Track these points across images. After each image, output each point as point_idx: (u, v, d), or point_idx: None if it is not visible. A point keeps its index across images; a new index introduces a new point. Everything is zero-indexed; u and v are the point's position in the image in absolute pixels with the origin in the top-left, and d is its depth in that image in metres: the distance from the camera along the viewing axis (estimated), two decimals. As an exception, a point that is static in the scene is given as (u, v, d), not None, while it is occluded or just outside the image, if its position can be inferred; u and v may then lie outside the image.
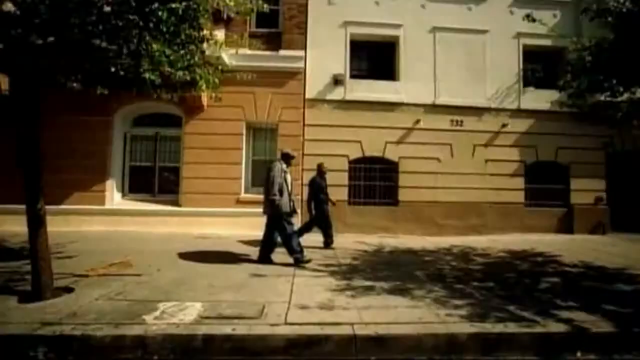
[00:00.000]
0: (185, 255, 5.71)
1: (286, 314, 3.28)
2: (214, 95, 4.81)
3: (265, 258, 5.36)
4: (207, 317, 3.20)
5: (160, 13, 2.97)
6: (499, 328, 3.13)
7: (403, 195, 8.84)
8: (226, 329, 2.94)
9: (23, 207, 3.64)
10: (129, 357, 2.78)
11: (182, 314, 3.25)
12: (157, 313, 3.26)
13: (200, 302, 3.57)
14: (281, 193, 5.08)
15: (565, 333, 3.13)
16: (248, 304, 3.53)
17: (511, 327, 3.15)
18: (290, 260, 5.26)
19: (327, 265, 5.24)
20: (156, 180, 8.73)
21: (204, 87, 4.08)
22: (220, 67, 4.22)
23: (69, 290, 3.85)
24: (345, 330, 2.97)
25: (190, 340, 2.85)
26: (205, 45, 4.63)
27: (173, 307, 3.43)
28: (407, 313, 3.40)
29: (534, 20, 5.53)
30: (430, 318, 3.29)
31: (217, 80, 4.14)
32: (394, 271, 5.07)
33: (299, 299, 3.73)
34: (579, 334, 3.13)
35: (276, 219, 5.19)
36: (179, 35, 3.43)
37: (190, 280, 4.37)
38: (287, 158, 5.49)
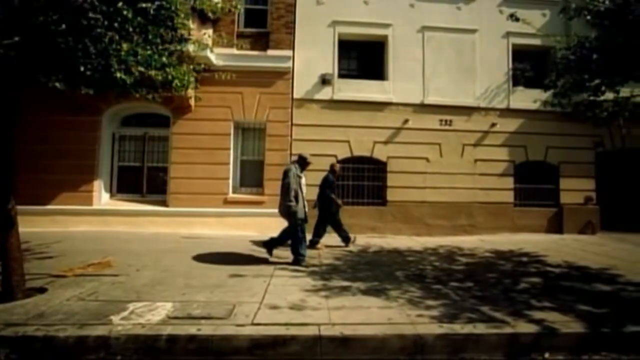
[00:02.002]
0: (169, 255, 5.69)
1: (255, 315, 3.26)
2: (193, 95, 4.83)
3: (269, 244, 5.57)
4: (175, 317, 3.19)
5: (125, 12, 2.95)
6: (467, 329, 3.11)
7: (392, 195, 8.81)
8: (191, 330, 2.92)
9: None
10: (92, 358, 2.77)
11: (151, 314, 3.24)
12: (126, 313, 3.25)
13: (172, 302, 3.56)
14: (297, 199, 5.11)
15: (534, 333, 3.11)
16: (219, 304, 3.52)
17: (480, 328, 3.13)
18: (274, 259, 5.47)
19: (307, 266, 5.22)
20: (144, 181, 8.70)
21: (179, 86, 4.05)
22: (193, 67, 4.20)
23: (42, 290, 3.83)
24: (311, 331, 2.96)
25: (154, 340, 2.84)
26: (191, 46, 4.63)
27: (143, 307, 3.42)
28: (377, 314, 3.39)
29: (517, 20, 5.52)
30: (400, 319, 3.27)
31: (192, 80, 4.12)
32: (374, 271, 5.05)
33: (272, 299, 3.71)
34: (548, 334, 3.12)
35: (291, 224, 5.27)
36: (147, 35, 3.40)
37: (167, 280, 4.36)
38: (303, 163, 5.45)
